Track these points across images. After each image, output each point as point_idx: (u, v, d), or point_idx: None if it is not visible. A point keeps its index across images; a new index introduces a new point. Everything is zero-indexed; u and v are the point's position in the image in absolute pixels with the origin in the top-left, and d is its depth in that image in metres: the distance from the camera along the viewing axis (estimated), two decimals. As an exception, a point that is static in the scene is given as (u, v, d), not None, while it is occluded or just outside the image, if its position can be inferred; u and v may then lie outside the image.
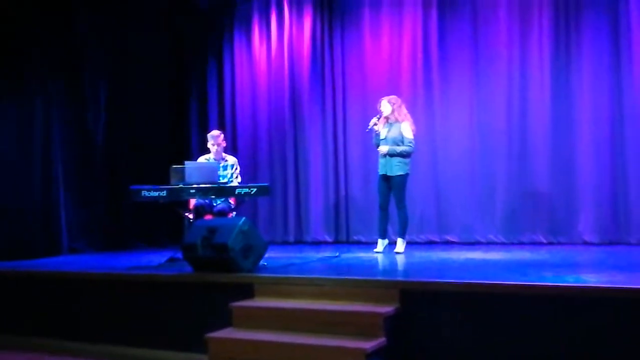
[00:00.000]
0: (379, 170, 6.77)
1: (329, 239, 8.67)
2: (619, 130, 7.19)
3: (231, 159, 6.94)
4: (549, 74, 7.52)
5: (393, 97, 6.84)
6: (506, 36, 7.75)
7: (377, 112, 6.83)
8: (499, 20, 7.78)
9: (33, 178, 7.84)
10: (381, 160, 6.73)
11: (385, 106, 6.74)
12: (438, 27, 8.09)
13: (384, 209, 6.82)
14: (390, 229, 7.22)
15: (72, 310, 5.92)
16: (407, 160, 6.68)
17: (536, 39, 7.60)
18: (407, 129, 6.66)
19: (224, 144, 6.95)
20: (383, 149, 6.65)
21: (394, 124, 6.70)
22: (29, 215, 7.74)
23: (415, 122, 6.98)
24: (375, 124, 6.75)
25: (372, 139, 6.87)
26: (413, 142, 6.67)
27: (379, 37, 8.46)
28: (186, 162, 6.28)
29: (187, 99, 9.70)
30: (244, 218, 5.38)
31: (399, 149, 6.60)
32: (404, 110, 6.79)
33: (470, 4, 7.93)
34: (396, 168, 6.61)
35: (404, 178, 6.66)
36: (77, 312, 5.88)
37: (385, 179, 6.71)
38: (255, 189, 6.04)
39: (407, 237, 6.89)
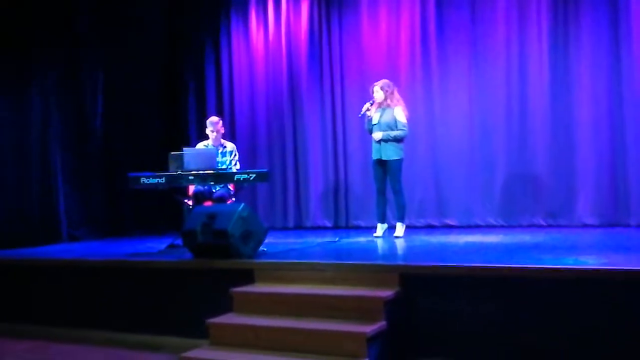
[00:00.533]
0: (372, 156, 6.74)
1: (328, 224, 8.68)
2: (618, 111, 7.14)
3: (230, 145, 6.93)
4: (548, 56, 7.47)
5: (385, 82, 6.77)
6: (504, 19, 7.69)
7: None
8: (497, 3, 7.73)
9: (32, 167, 7.84)
10: (375, 145, 6.70)
11: (377, 92, 6.69)
12: (436, 10, 8.04)
13: (381, 193, 6.80)
14: (389, 214, 7.21)
15: (72, 297, 5.94)
16: (401, 145, 6.65)
17: (534, 21, 7.55)
18: (400, 113, 6.62)
19: (222, 130, 6.93)
20: (377, 135, 6.62)
21: (386, 109, 6.67)
22: (28, 204, 7.75)
23: (414, 106, 6.95)
24: (368, 110, 6.72)
25: (365, 125, 6.84)
26: (406, 125, 6.64)
27: (377, 21, 8.41)
28: (185, 149, 6.26)
29: (185, 86, 9.65)
30: (243, 204, 5.38)
31: (393, 133, 6.57)
32: (397, 95, 6.75)
33: (468, -14, 7.88)
34: (392, 153, 6.58)
35: (399, 163, 6.64)
36: (78, 299, 5.90)
37: (381, 163, 6.69)
38: (254, 175, 6.02)
39: (406, 221, 6.88)
